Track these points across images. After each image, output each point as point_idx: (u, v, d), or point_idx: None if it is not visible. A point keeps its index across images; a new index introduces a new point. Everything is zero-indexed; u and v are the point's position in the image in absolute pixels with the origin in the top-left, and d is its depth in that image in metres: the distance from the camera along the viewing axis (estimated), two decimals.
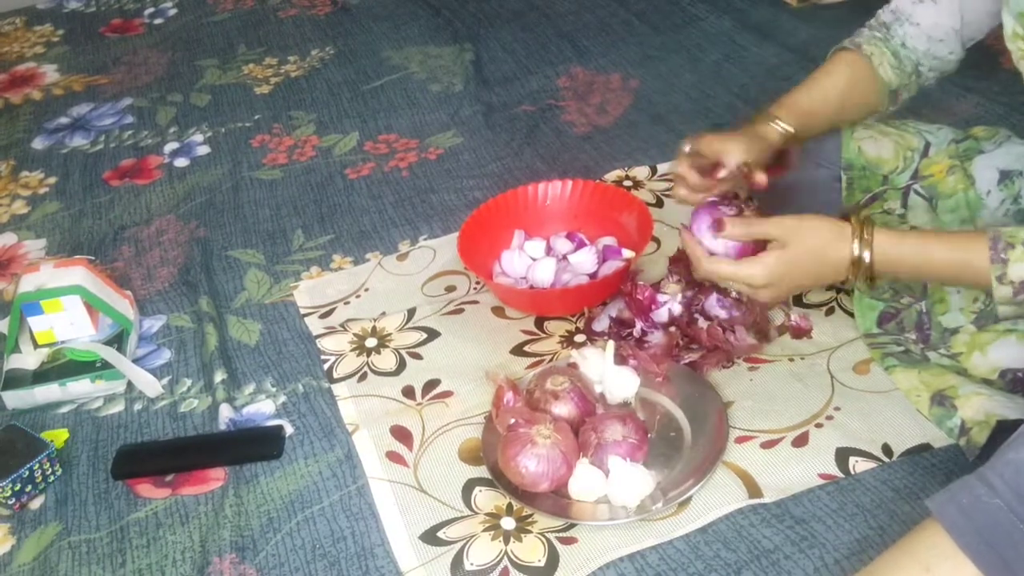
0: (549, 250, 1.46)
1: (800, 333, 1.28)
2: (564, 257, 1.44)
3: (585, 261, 1.41)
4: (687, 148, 1.22)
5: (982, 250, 1.02)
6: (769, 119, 1.24)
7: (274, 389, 1.34)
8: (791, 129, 1.23)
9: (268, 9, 2.43)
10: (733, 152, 1.18)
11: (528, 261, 1.43)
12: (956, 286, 1.18)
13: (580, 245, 1.45)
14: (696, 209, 1.19)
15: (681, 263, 1.37)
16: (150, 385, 1.37)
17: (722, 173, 1.18)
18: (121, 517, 1.20)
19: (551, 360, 1.31)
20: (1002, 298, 1.02)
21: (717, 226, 1.14)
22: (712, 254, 1.15)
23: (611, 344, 1.23)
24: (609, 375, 1.21)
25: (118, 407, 1.36)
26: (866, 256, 1.07)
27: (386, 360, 1.35)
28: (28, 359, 1.38)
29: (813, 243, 1.10)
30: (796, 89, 1.28)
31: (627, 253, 1.42)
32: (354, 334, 1.40)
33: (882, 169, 1.29)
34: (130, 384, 1.38)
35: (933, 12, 1.21)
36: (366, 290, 1.49)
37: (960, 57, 1.24)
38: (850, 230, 1.08)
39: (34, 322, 1.37)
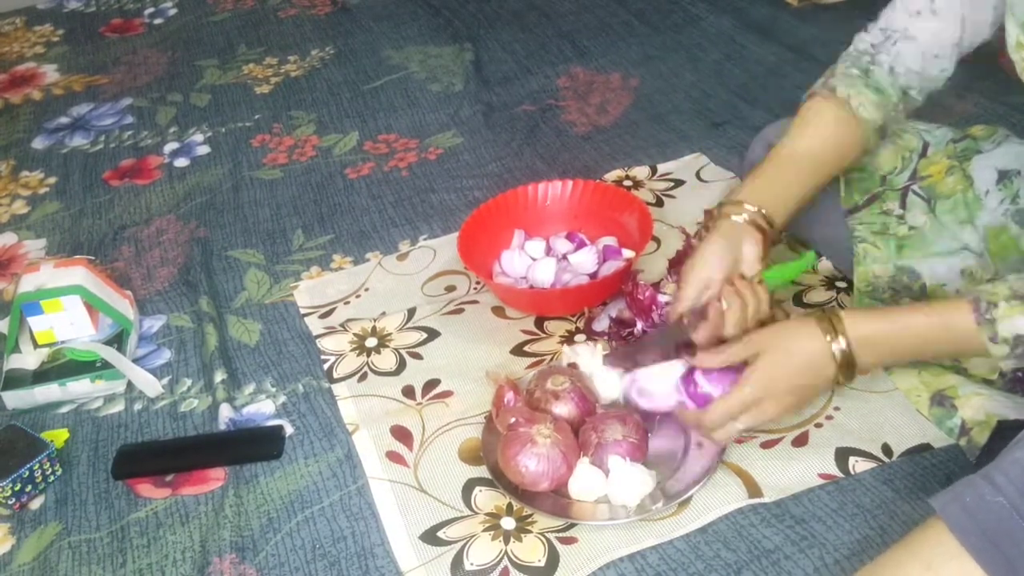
0: (549, 250, 1.46)
1: None
2: (564, 257, 1.44)
3: (585, 261, 1.41)
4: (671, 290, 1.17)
5: (966, 315, 0.99)
6: (755, 221, 1.14)
7: (274, 389, 1.34)
8: (778, 222, 1.15)
9: (268, 9, 2.43)
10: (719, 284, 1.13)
11: (528, 261, 1.43)
12: (949, 356, 1.13)
13: (580, 245, 1.45)
14: (652, 378, 1.13)
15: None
16: (150, 385, 1.37)
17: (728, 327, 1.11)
18: (121, 517, 1.20)
19: (551, 360, 1.31)
20: (1001, 356, 0.99)
21: (689, 379, 1.09)
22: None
23: (599, 345, 1.23)
24: (597, 376, 1.21)
25: (118, 407, 1.36)
26: (841, 343, 1.02)
27: (386, 360, 1.35)
28: (28, 359, 1.38)
29: (782, 338, 1.05)
30: (768, 172, 1.17)
31: (627, 253, 1.42)
32: (354, 334, 1.40)
33: (880, 170, 1.29)
34: (130, 384, 1.38)
35: (933, 25, 1.16)
36: (366, 290, 1.49)
37: (949, 75, 1.19)
38: (815, 322, 1.03)
39: (34, 322, 1.37)
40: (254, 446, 1.25)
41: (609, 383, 1.21)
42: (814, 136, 1.18)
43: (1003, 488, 0.84)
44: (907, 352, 1.06)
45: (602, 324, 1.33)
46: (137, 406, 1.36)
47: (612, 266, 1.40)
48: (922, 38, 1.17)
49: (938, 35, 1.16)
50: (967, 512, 0.85)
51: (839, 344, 1.02)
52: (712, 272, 1.12)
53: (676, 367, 1.12)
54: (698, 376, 1.09)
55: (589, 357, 1.23)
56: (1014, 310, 0.97)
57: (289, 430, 1.28)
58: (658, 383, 1.13)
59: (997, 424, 1.05)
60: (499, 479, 1.13)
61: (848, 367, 1.03)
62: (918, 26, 1.17)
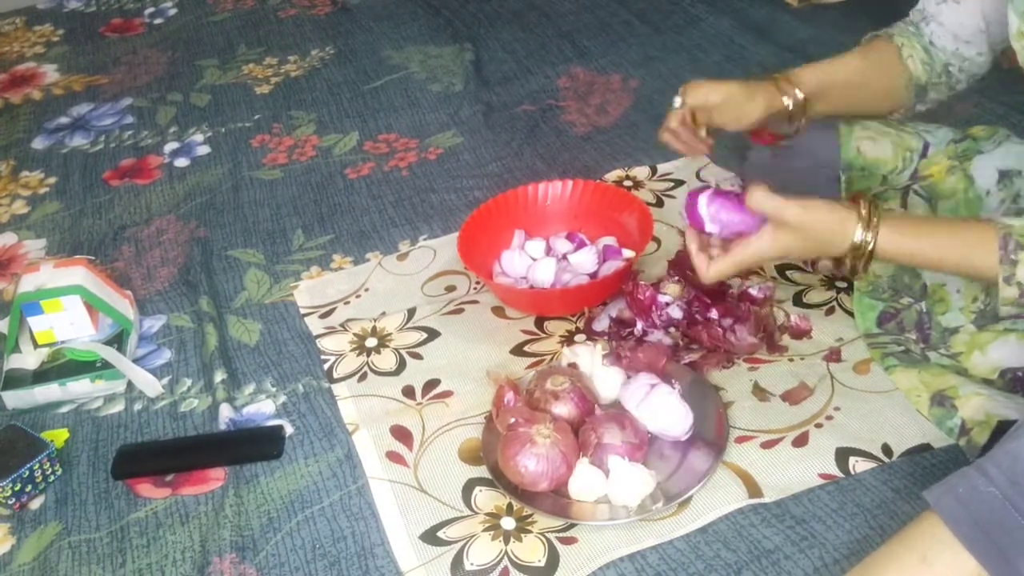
0: (549, 250, 1.46)
1: (800, 334, 1.28)
2: (564, 257, 1.44)
3: (585, 261, 1.41)
4: (678, 102, 1.22)
5: (991, 247, 1.00)
6: (779, 81, 1.22)
7: (274, 389, 1.34)
8: (800, 95, 1.21)
9: (268, 9, 2.43)
10: (727, 111, 1.20)
11: (528, 261, 1.43)
12: (955, 275, 1.16)
13: (580, 245, 1.45)
14: (691, 195, 1.14)
15: (681, 266, 1.38)
16: (150, 385, 1.37)
17: (703, 133, 1.21)
18: (121, 517, 1.20)
19: (551, 360, 1.31)
20: (1007, 299, 1.01)
21: (728, 199, 1.11)
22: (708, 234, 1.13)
23: (599, 346, 1.23)
24: (597, 376, 1.21)
25: (118, 407, 1.36)
26: (869, 242, 1.03)
27: (386, 360, 1.35)
28: (28, 359, 1.38)
29: (818, 230, 1.06)
30: (815, 63, 1.26)
31: (627, 253, 1.42)
32: (354, 334, 1.40)
33: (881, 169, 1.29)
34: (130, 384, 1.38)
35: (956, 12, 1.20)
36: (366, 290, 1.49)
37: (989, 59, 1.22)
38: (856, 217, 1.04)
39: (34, 322, 1.37)
40: (254, 446, 1.25)
41: (609, 383, 1.21)
42: (867, 62, 1.25)
43: (995, 479, 0.85)
44: (922, 264, 1.09)
45: (602, 324, 1.33)
46: (137, 406, 1.36)
47: (612, 266, 1.40)
48: (949, 23, 1.22)
49: (962, 22, 1.20)
50: (960, 503, 0.86)
51: (866, 239, 1.03)
52: (711, 95, 1.21)
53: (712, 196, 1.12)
54: (719, 203, 1.11)
55: (589, 357, 1.23)
56: None
57: (289, 430, 1.28)
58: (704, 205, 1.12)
59: (997, 424, 1.05)
60: (499, 479, 1.13)
61: (865, 262, 1.05)
62: (944, 12, 1.22)
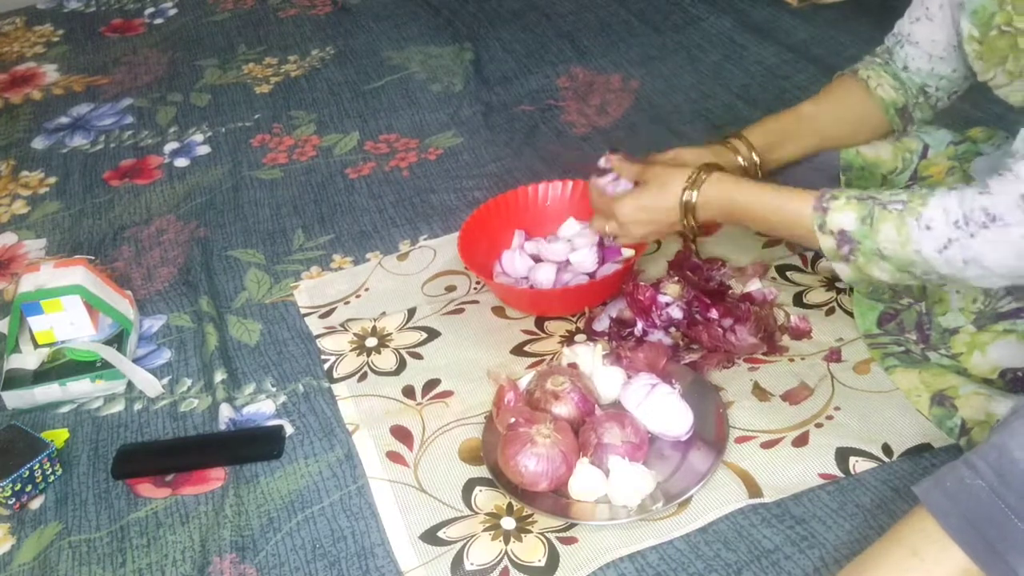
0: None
1: (800, 334, 1.28)
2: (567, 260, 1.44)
3: (585, 261, 1.41)
4: (602, 162, 1.29)
5: (806, 199, 1.07)
6: (731, 141, 1.28)
7: (274, 389, 1.34)
8: (753, 155, 1.27)
9: (268, 9, 2.43)
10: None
11: (529, 262, 1.43)
12: (785, 237, 1.21)
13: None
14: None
15: (681, 267, 1.38)
16: (150, 385, 1.37)
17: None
18: (121, 517, 1.20)
19: (551, 360, 1.31)
20: (829, 251, 1.06)
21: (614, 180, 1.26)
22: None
23: (599, 346, 1.23)
24: (597, 376, 1.21)
25: (118, 407, 1.36)
26: (693, 196, 1.16)
27: (386, 360, 1.35)
28: (28, 359, 1.38)
29: (658, 182, 1.20)
30: (774, 115, 1.32)
31: (627, 252, 1.41)
32: (354, 334, 1.40)
33: (880, 170, 1.29)
34: (130, 384, 1.38)
35: (930, 29, 1.21)
36: (366, 290, 1.49)
37: (965, 75, 1.22)
38: (687, 171, 1.17)
39: (34, 322, 1.37)
40: (254, 446, 1.25)
41: (609, 383, 1.21)
42: (826, 102, 1.31)
43: (982, 472, 0.85)
44: (747, 219, 1.16)
45: (602, 324, 1.33)
46: (137, 406, 1.36)
47: (612, 267, 1.40)
48: (922, 42, 1.23)
49: (935, 38, 1.21)
50: (948, 496, 0.86)
51: (692, 196, 1.17)
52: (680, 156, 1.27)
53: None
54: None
55: (589, 357, 1.23)
56: (849, 205, 1.04)
57: (289, 430, 1.28)
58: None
59: (997, 424, 1.05)
60: (499, 479, 1.13)
61: (691, 214, 1.18)
62: (917, 30, 1.23)
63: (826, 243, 1.06)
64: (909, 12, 1.24)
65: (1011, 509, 0.83)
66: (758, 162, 1.27)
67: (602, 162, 1.29)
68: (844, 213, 1.04)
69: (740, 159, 1.27)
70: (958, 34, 1.16)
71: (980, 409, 1.09)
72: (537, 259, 1.44)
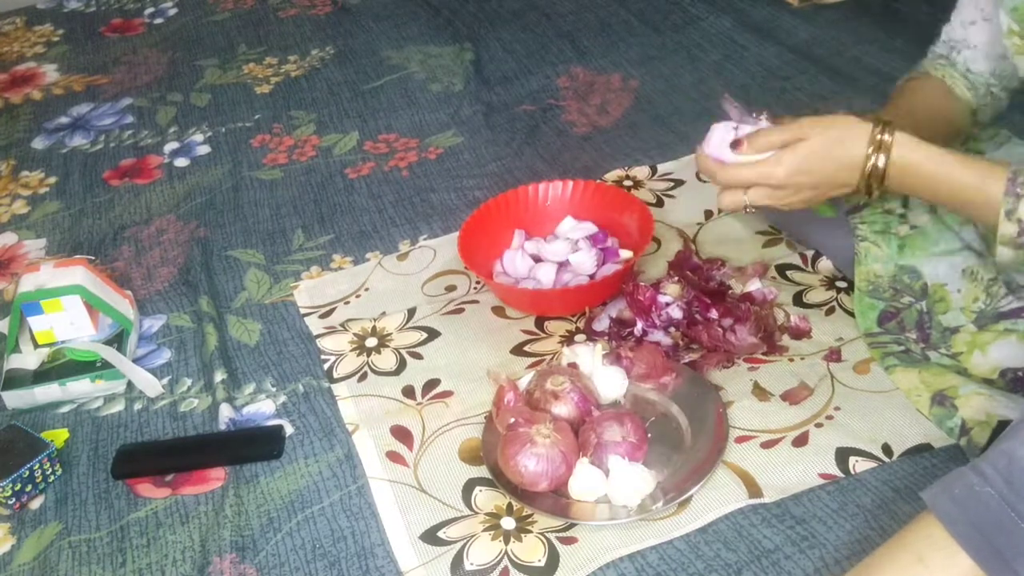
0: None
1: (800, 334, 1.28)
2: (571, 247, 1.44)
3: (585, 262, 1.41)
4: (728, 107, 1.16)
5: (999, 180, 1.00)
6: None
7: (274, 389, 1.34)
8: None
9: (268, 9, 2.43)
10: None
11: (530, 262, 1.43)
12: (962, 215, 1.12)
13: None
14: (711, 128, 1.14)
15: (681, 267, 1.38)
16: (150, 385, 1.37)
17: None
18: (121, 517, 1.20)
19: (551, 360, 1.31)
20: (1004, 237, 1.01)
21: (735, 146, 1.10)
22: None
23: (599, 346, 1.23)
24: (597, 376, 1.21)
25: (118, 407, 1.36)
26: (881, 160, 1.04)
27: (386, 360, 1.35)
28: (28, 359, 1.38)
29: (831, 134, 1.06)
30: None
31: (625, 254, 1.41)
32: (354, 334, 1.40)
33: None
34: (130, 384, 1.38)
35: (987, 29, 1.19)
36: (366, 290, 1.49)
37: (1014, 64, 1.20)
38: (870, 128, 1.05)
39: (34, 322, 1.37)
40: (254, 446, 1.25)
41: (609, 383, 1.21)
42: (913, 103, 1.22)
43: (991, 479, 0.85)
44: (934, 191, 1.06)
45: (602, 324, 1.33)
46: (137, 406, 1.36)
47: (610, 267, 1.40)
48: (981, 44, 1.21)
49: (995, 36, 1.18)
50: (956, 503, 0.86)
51: (879, 159, 1.04)
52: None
53: (729, 130, 1.12)
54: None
55: (589, 357, 1.23)
56: None
57: (289, 430, 1.28)
58: (717, 135, 1.13)
59: (998, 424, 1.05)
60: (499, 479, 1.13)
61: (877, 182, 1.06)
62: (973, 33, 1.21)
63: (1007, 228, 1.00)
64: (957, 17, 1.22)
65: (1020, 516, 0.83)
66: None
67: (727, 107, 1.13)
68: None
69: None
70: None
71: (980, 409, 1.08)
72: (537, 259, 1.44)
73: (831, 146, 1.07)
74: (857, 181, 1.07)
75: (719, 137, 1.12)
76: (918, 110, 1.21)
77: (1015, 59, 1.10)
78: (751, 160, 1.09)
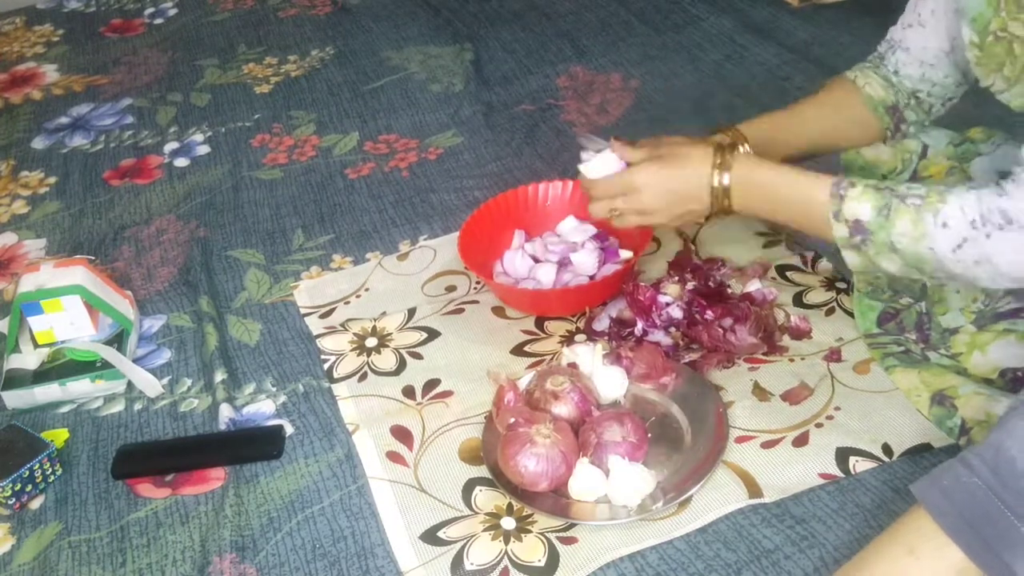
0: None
1: (800, 334, 1.28)
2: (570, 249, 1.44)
3: (586, 262, 1.41)
4: (583, 142, 1.25)
5: (825, 185, 1.06)
6: (727, 133, 1.26)
7: (274, 389, 1.34)
8: (746, 147, 1.25)
9: (268, 9, 2.43)
10: None
11: (529, 262, 1.43)
12: (808, 231, 1.16)
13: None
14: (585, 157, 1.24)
15: (681, 267, 1.38)
16: (150, 385, 1.37)
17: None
18: (121, 517, 1.20)
19: (551, 360, 1.31)
20: (841, 240, 1.05)
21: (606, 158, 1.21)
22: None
23: (599, 346, 1.23)
24: (597, 376, 1.21)
25: (118, 407, 1.36)
26: (726, 179, 1.13)
27: (386, 360, 1.35)
28: (28, 359, 1.38)
29: (680, 151, 1.16)
30: (767, 115, 1.30)
31: (625, 254, 1.41)
32: (354, 334, 1.40)
33: (880, 170, 1.29)
34: (130, 384, 1.38)
35: (921, 35, 1.20)
36: (366, 290, 1.49)
37: (958, 81, 1.22)
38: (712, 149, 1.14)
39: (34, 322, 1.37)
40: (254, 446, 1.25)
41: (610, 383, 1.21)
42: (819, 103, 1.29)
43: (978, 470, 0.86)
44: (773, 207, 1.14)
45: (602, 324, 1.33)
46: (137, 406, 1.36)
47: (610, 267, 1.40)
48: (913, 48, 1.23)
49: (926, 44, 1.21)
50: (944, 495, 0.87)
51: (722, 178, 1.13)
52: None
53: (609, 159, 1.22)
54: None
55: (589, 357, 1.23)
56: (866, 194, 1.03)
57: (289, 430, 1.28)
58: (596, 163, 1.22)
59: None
60: (499, 479, 1.13)
61: (724, 200, 1.14)
62: (909, 36, 1.23)
63: (839, 231, 1.05)
64: (902, 19, 1.24)
65: (1007, 507, 0.84)
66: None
67: (582, 141, 1.25)
68: (861, 202, 1.03)
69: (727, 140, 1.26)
70: (952, 40, 1.15)
71: (980, 409, 1.09)
72: (537, 259, 1.44)
73: (680, 162, 1.16)
74: (707, 198, 1.15)
75: (595, 165, 1.22)
76: (831, 108, 1.28)
77: (973, 69, 1.11)
78: (611, 173, 1.21)
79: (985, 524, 0.84)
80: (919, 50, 1.22)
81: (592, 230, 1.46)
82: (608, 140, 1.23)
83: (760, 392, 1.21)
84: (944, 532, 0.86)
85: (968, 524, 0.85)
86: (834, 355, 1.25)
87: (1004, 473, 0.84)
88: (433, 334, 1.38)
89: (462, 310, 1.42)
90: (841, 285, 1.35)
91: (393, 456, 1.21)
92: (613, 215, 1.22)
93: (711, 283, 1.34)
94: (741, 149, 1.20)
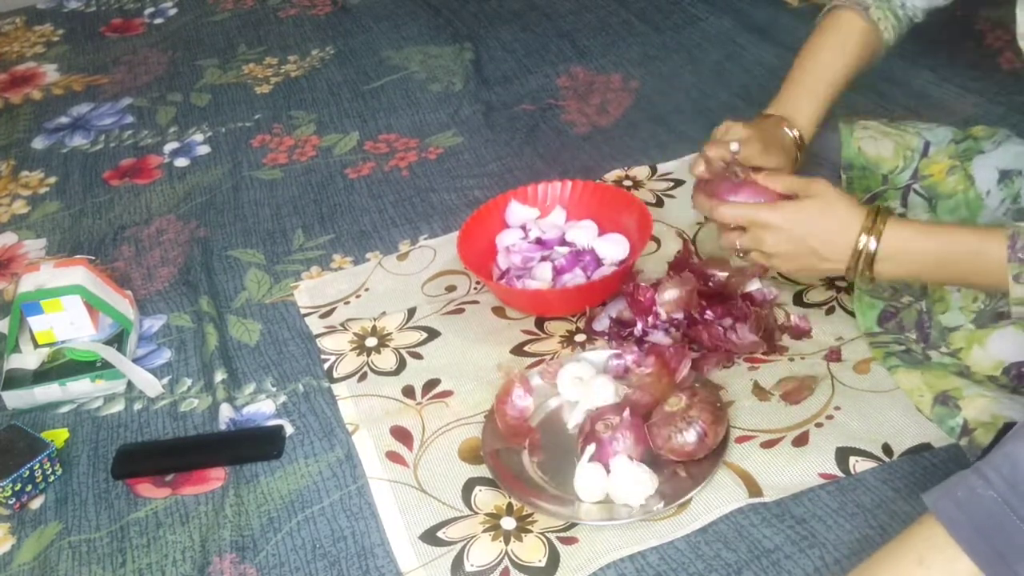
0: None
1: (800, 334, 1.28)
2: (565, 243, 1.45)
3: (580, 237, 1.42)
4: (734, 147, 1.20)
5: (1000, 246, 1.01)
6: (783, 125, 1.26)
7: (274, 389, 1.34)
8: (796, 131, 1.25)
9: (268, 9, 2.43)
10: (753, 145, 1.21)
11: (528, 246, 1.45)
12: (967, 285, 1.14)
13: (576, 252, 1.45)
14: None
15: (681, 267, 1.38)
16: (150, 385, 1.37)
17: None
18: (121, 517, 1.20)
19: (552, 360, 1.31)
20: (1017, 299, 1.02)
21: (740, 187, 1.15)
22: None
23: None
24: (594, 383, 1.20)
25: (118, 407, 1.36)
26: (872, 245, 1.07)
27: (386, 360, 1.35)
28: (28, 359, 1.38)
29: (830, 199, 1.09)
30: (799, 89, 1.28)
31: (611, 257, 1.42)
32: (354, 334, 1.40)
33: (882, 168, 1.29)
34: (130, 384, 1.38)
35: None
36: (366, 290, 1.49)
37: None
38: (863, 213, 1.08)
39: (34, 322, 1.37)
40: (254, 446, 1.25)
41: (607, 390, 1.20)
42: (833, 49, 1.29)
43: (993, 482, 0.84)
44: (931, 270, 1.09)
45: (602, 324, 1.33)
46: (137, 406, 1.36)
47: (608, 268, 1.40)
48: None
49: None
50: (958, 506, 0.85)
51: (869, 243, 1.07)
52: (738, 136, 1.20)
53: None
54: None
55: (591, 369, 1.22)
56: None
57: (289, 430, 1.28)
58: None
59: (1003, 426, 1.05)
60: (500, 479, 1.13)
61: (867, 264, 1.08)
62: None
63: (1019, 292, 1.01)
64: None
65: (1022, 520, 0.83)
66: (803, 136, 1.27)
67: (734, 147, 1.17)
68: None
69: (793, 133, 1.26)
70: None
71: (985, 410, 1.08)
72: (540, 240, 1.44)
73: (828, 212, 1.09)
74: (848, 261, 1.09)
75: (719, 186, 1.16)
76: (847, 54, 1.28)
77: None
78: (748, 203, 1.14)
79: (999, 537, 0.83)
80: None
81: (592, 229, 1.46)
82: (736, 149, 1.19)
83: (760, 392, 1.21)
84: (957, 544, 0.85)
85: (982, 536, 0.84)
86: (834, 354, 1.24)
87: (1020, 486, 0.83)
88: (433, 334, 1.38)
89: (462, 310, 1.42)
90: (841, 284, 1.35)
91: (393, 456, 1.21)
92: (740, 249, 1.16)
93: (711, 283, 1.34)
94: (894, 211, 1.14)
